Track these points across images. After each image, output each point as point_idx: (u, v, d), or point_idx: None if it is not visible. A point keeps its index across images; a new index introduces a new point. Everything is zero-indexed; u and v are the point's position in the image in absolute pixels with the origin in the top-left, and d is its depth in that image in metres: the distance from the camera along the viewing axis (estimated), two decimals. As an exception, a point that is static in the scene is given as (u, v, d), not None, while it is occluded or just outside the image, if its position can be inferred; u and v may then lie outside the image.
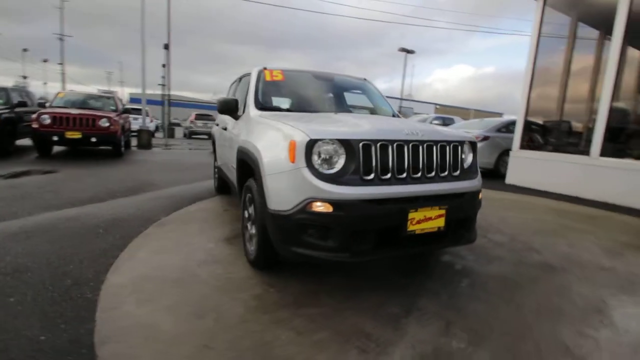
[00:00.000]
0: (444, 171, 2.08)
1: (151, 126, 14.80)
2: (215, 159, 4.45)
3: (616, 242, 3.23)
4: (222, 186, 4.55)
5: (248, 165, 2.37)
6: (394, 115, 3.20)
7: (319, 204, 1.77)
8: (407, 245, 1.96)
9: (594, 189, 5.09)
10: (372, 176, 1.86)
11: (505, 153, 6.93)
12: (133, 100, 34.48)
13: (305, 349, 1.56)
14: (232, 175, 2.99)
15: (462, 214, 2.11)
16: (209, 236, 2.95)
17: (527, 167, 6.16)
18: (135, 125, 11.33)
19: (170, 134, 16.13)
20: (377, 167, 1.87)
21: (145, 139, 10.98)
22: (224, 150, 3.44)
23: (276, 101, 2.91)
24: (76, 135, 6.84)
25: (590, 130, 5.51)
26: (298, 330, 1.69)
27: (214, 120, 20.17)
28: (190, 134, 18.46)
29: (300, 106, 2.94)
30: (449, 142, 2.10)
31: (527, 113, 6.34)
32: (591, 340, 1.72)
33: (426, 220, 1.92)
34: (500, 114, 35.35)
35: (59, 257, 2.39)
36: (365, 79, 3.54)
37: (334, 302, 1.96)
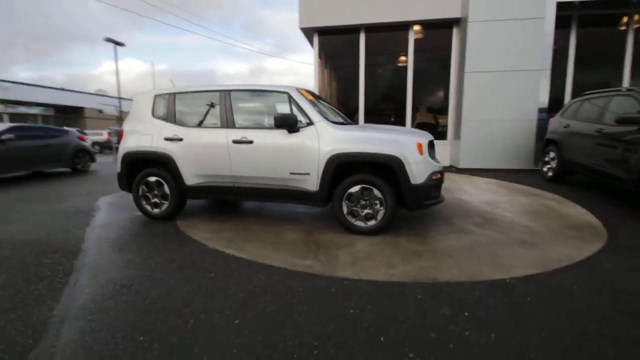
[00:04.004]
0: (434, 152, 4.22)
1: None
2: (180, 179, 3.89)
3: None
4: (180, 207, 4.08)
5: (359, 165, 3.37)
6: None
7: (435, 175, 3.39)
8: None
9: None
10: (436, 157, 3.69)
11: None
12: None
13: (444, 244, 3.28)
14: (299, 182, 3.49)
15: (441, 174, 4.37)
16: (296, 237, 3.38)
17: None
18: None
19: None
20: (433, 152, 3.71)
21: None
22: (259, 161, 3.58)
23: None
24: None
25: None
26: (439, 238, 3.33)
27: None
28: None
29: (336, 119, 3.94)
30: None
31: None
32: (499, 215, 4.56)
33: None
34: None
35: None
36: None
37: (428, 232, 3.62)
